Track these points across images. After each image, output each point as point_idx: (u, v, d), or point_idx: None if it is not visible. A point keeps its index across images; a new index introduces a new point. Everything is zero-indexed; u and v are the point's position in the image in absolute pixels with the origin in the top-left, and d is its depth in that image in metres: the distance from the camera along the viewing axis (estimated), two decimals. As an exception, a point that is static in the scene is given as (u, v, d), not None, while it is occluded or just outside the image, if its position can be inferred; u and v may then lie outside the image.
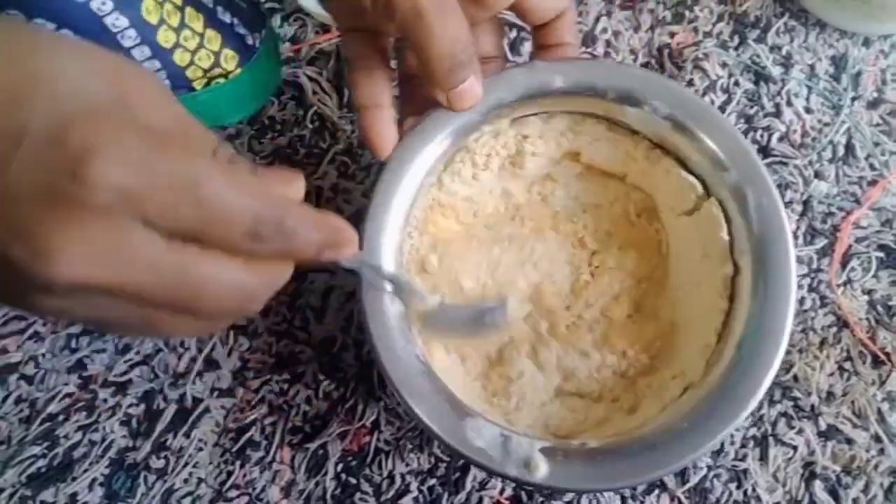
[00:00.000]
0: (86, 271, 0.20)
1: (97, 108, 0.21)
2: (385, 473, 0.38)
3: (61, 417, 0.38)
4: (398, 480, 0.38)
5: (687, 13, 0.46)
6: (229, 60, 0.38)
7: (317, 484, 0.37)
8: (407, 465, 0.38)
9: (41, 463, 0.37)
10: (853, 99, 0.44)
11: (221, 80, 0.39)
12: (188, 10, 0.36)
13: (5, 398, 0.38)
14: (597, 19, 0.45)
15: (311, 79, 0.44)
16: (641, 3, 0.46)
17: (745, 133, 0.43)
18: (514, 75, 0.33)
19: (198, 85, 0.38)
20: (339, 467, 0.38)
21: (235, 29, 0.38)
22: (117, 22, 0.33)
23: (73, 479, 0.37)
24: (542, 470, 0.28)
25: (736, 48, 0.45)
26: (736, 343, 0.30)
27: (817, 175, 0.43)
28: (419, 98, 0.33)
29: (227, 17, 0.38)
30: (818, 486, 0.38)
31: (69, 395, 0.38)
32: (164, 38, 0.35)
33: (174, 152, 0.21)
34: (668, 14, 0.46)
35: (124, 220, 0.20)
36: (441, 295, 0.34)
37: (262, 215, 0.22)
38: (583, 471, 0.29)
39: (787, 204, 0.42)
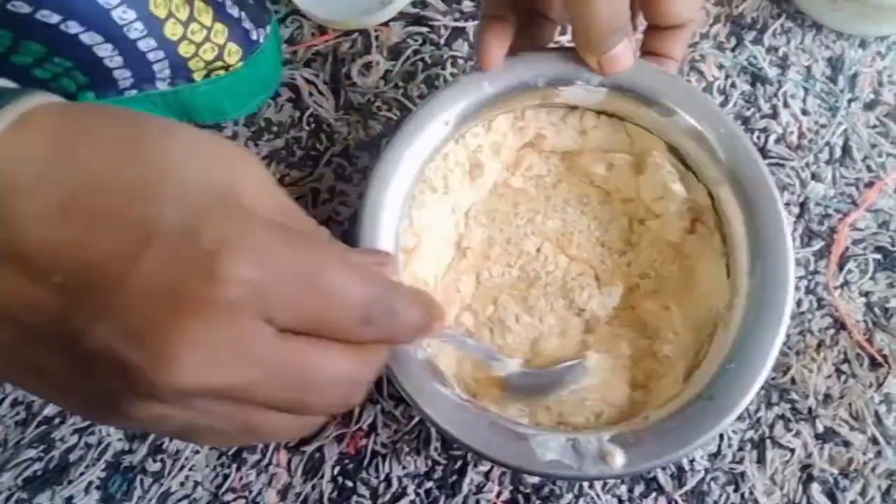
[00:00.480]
0: (205, 375, 0.19)
1: (222, 202, 0.20)
2: (382, 476, 0.38)
3: (57, 420, 0.38)
4: (395, 483, 0.37)
5: (684, 15, 0.46)
6: (232, 54, 0.38)
7: (313, 487, 0.37)
8: (404, 467, 0.38)
9: (37, 466, 0.37)
10: (850, 101, 0.44)
11: (222, 73, 0.39)
12: (198, 3, 0.36)
13: (1, 401, 0.38)
14: (594, 21, 0.45)
15: (307, 81, 0.44)
16: (638, 4, 0.46)
17: (764, 154, 0.42)
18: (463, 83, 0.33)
19: (198, 76, 0.38)
20: (336, 470, 0.38)
21: (242, 24, 0.38)
22: (124, 14, 0.33)
23: (70, 482, 0.37)
24: (619, 458, 0.28)
25: (732, 50, 0.45)
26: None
27: (814, 177, 0.43)
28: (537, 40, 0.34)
29: (234, 12, 0.38)
30: (815, 488, 0.38)
31: None
32: (171, 30, 0.35)
33: (298, 243, 0.21)
34: (666, 16, 0.46)
35: (247, 318, 0.20)
36: (521, 360, 0.34)
37: (374, 300, 0.22)
38: (656, 446, 0.29)
39: (784, 206, 0.42)
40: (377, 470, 0.38)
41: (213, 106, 0.41)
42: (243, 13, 0.38)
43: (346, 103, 0.43)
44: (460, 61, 0.43)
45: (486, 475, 0.38)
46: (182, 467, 0.37)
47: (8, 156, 0.18)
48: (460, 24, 0.44)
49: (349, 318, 0.21)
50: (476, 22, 0.44)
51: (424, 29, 0.44)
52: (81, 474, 0.37)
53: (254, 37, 0.39)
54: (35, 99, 0.20)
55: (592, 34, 0.31)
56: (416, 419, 0.38)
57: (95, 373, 0.19)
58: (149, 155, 0.20)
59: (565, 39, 0.44)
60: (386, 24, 0.44)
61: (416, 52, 0.43)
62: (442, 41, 0.44)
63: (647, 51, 0.34)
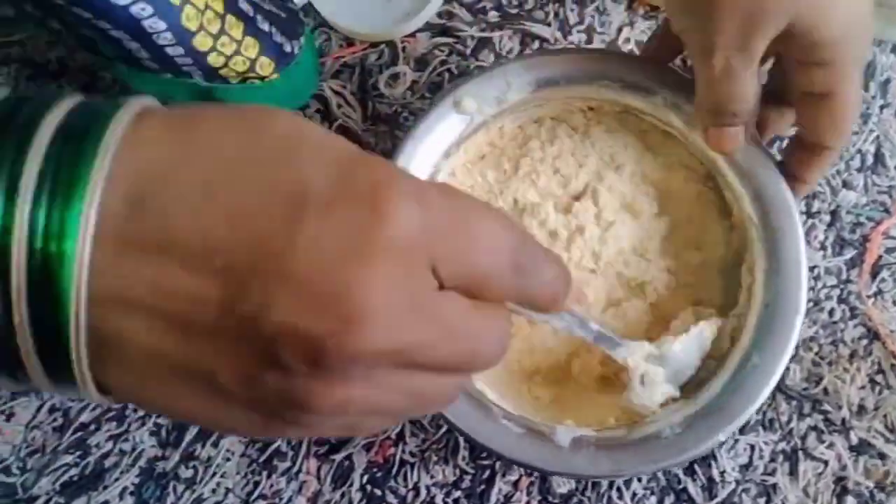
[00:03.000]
0: (395, 333, 0.18)
1: (356, 150, 0.19)
2: (410, 485, 0.38)
3: (93, 427, 0.39)
4: (423, 492, 0.38)
5: (711, 22, 0.46)
6: (265, 67, 0.39)
7: (342, 495, 0.38)
8: (432, 476, 0.38)
9: (74, 471, 0.38)
10: (882, 107, 0.44)
11: (257, 82, 0.39)
12: (229, 17, 0.36)
13: (40, 407, 0.39)
14: (619, 29, 0.45)
15: (335, 92, 0.44)
16: (664, 11, 0.46)
17: (771, 143, 0.42)
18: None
19: (233, 80, 0.39)
20: (365, 479, 0.38)
21: (273, 37, 0.39)
22: (155, 25, 0.33)
23: (105, 487, 0.38)
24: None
25: (761, 57, 0.45)
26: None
27: (845, 185, 0.42)
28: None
29: (265, 26, 0.38)
30: (850, 501, 0.37)
31: (100, 404, 0.39)
32: (201, 42, 0.36)
33: (440, 188, 0.20)
34: (692, 23, 0.45)
35: (421, 266, 0.18)
36: (645, 341, 0.33)
37: (520, 245, 0.21)
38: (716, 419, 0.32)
39: (815, 214, 0.41)
40: (405, 479, 0.38)
41: None
42: (274, 28, 0.39)
43: (373, 114, 0.44)
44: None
45: (515, 485, 0.38)
46: (214, 474, 0.38)
47: (137, 150, 0.17)
48: (486, 34, 0.44)
49: (502, 264, 0.20)
50: (500, 32, 0.44)
51: (451, 40, 0.44)
52: (116, 480, 0.38)
53: (287, 49, 0.39)
54: (144, 99, 0.19)
55: (706, 102, 0.31)
56: (445, 428, 0.38)
57: (274, 364, 0.18)
58: (271, 125, 0.19)
59: (574, 41, 0.44)
60: (412, 35, 0.44)
61: (442, 62, 0.44)
62: (468, 51, 0.44)
63: (797, 143, 0.34)
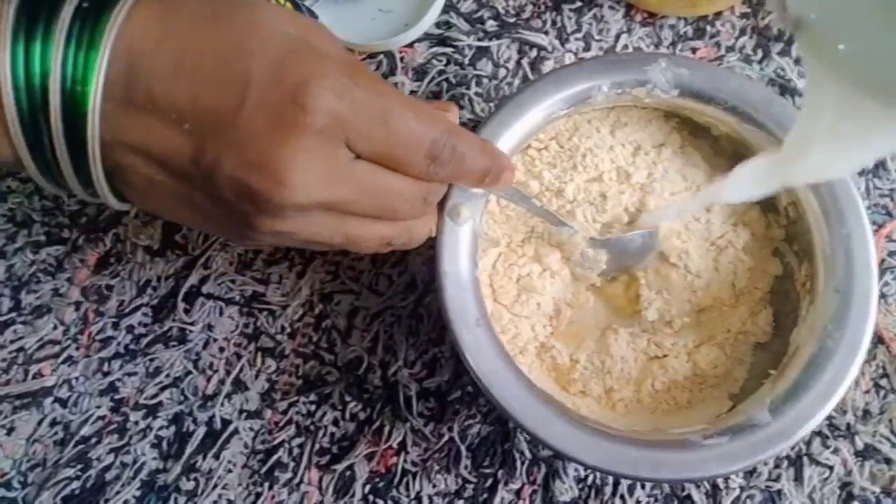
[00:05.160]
0: (313, 192, 0.24)
1: (299, 48, 0.24)
2: (412, 495, 0.38)
3: (94, 440, 0.39)
4: (426, 502, 0.37)
5: (708, 28, 0.46)
6: None
7: (344, 506, 0.37)
8: (434, 486, 0.38)
9: (75, 485, 0.38)
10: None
11: None
12: None
13: (41, 421, 0.39)
14: (617, 36, 0.45)
15: (334, 102, 0.44)
16: (662, 18, 0.46)
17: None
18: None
19: None
20: (367, 489, 0.38)
21: None
22: None
23: (106, 500, 0.38)
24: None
25: (759, 62, 0.45)
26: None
27: (846, 188, 0.42)
28: None
29: None
30: (856, 507, 0.37)
31: (101, 417, 0.39)
32: None
33: (366, 81, 0.24)
34: (690, 29, 0.46)
35: (335, 143, 0.24)
36: (586, 227, 0.37)
37: (438, 139, 0.26)
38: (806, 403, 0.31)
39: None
40: (407, 488, 0.38)
41: None
42: None
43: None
44: (485, 80, 0.44)
45: (517, 493, 0.38)
46: (215, 486, 0.38)
47: (131, 30, 0.23)
48: (484, 43, 0.44)
49: (417, 153, 0.26)
50: (498, 41, 0.44)
51: (449, 49, 0.44)
52: (117, 493, 0.38)
53: None
54: None
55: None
56: (446, 437, 0.38)
57: (229, 201, 0.24)
58: (236, 20, 0.24)
59: (588, 55, 0.44)
60: (410, 45, 0.45)
61: (440, 72, 0.44)
62: (466, 61, 0.44)
63: None
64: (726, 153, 0.38)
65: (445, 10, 0.45)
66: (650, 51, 0.44)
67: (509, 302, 0.36)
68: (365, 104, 0.24)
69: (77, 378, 0.40)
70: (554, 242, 0.37)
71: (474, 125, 0.43)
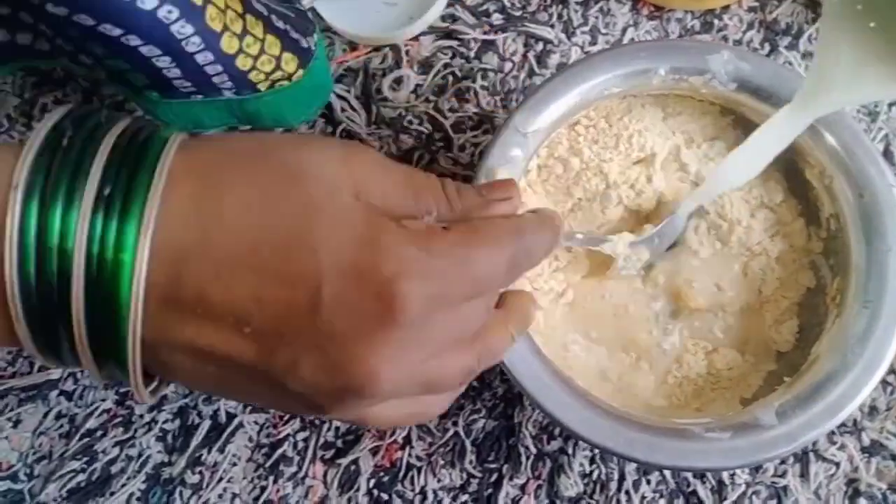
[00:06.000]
0: (403, 384, 0.22)
1: (366, 227, 0.21)
2: (417, 489, 0.38)
3: (99, 433, 0.39)
4: (430, 496, 0.37)
5: (716, 21, 0.45)
6: (289, 63, 0.39)
7: (349, 500, 0.38)
8: (439, 480, 0.38)
9: (81, 478, 0.38)
10: (890, 105, 0.43)
11: (285, 83, 0.39)
12: (248, 17, 0.37)
13: (46, 413, 0.39)
14: (624, 30, 0.45)
15: (339, 96, 0.44)
16: (669, 12, 0.45)
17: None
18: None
19: (262, 87, 0.39)
20: (372, 483, 0.38)
21: (290, 34, 0.39)
22: (182, 29, 0.33)
23: (112, 493, 0.38)
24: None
25: (767, 56, 0.45)
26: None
27: (854, 183, 0.42)
28: None
29: (280, 24, 0.39)
30: (863, 503, 0.37)
31: (107, 410, 0.39)
32: (228, 44, 0.36)
33: (437, 241, 0.22)
34: (697, 23, 0.45)
35: (423, 326, 0.22)
36: (622, 236, 0.36)
37: (514, 254, 0.24)
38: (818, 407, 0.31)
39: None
40: (412, 483, 0.38)
41: (276, 114, 0.41)
42: (288, 25, 0.39)
43: (377, 118, 0.44)
44: (490, 74, 0.44)
45: (522, 488, 0.38)
46: (220, 479, 0.38)
47: (167, 219, 0.20)
48: (489, 36, 0.44)
49: (499, 277, 0.24)
50: (504, 34, 0.44)
51: (454, 42, 0.44)
52: (123, 486, 0.38)
53: (304, 45, 0.39)
54: (171, 147, 0.21)
55: None
56: (451, 432, 0.38)
57: (302, 395, 0.22)
58: (290, 197, 0.21)
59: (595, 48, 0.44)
60: (416, 38, 0.44)
61: (446, 65, 0.44)
62: (472, 54, 0.44)
63: None
64: (780, 160, 0.37)
65: (451, 3, 0.44)
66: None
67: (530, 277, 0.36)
68: (448, 270, 0.22)
69: (82, 371, 0.40)
70: (594, 260, 0.37)
71: (481, 118, 0.43)
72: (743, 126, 0.38)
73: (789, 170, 0.37)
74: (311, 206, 0.21)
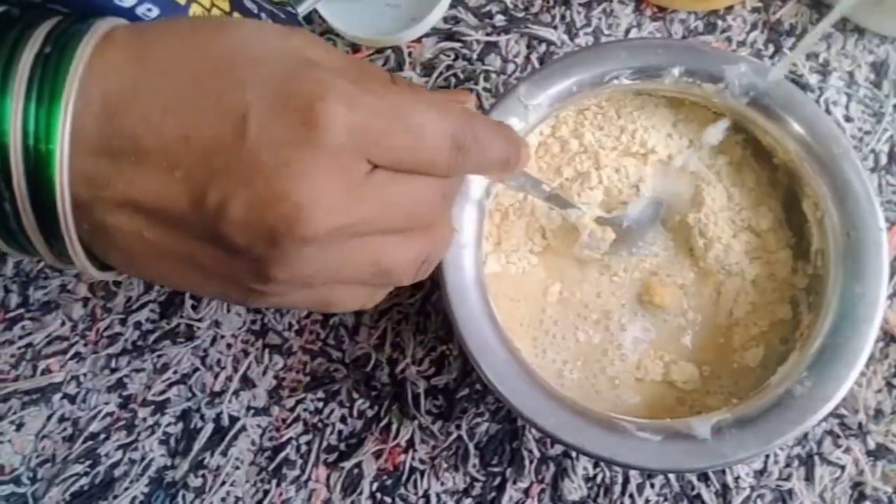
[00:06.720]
0: (336, 217, 0.21)
1: (297, 63, 0.22)
2: (420, 493, 0.37)
3: (102, 436, 0.39)
4: (434, 500, 0.37)
5: (719, 22, 0.45)
6: None
7: (352, 503, 0.37)
8: (442, 484, 0.38)
9: (84, 481, 0.38)
10: (895, 106, 0.43)
11: None
12: (236, 15, 0.36)
13: (49, 417, 0.39)
14: (627, 31, 0.45)
15: (342, 98, 0.44)
16: (672, 13, 0.45)
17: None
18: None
19: None
20: (375, 486, 0.38)
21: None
22: (149, 13, 0.33)
23: (115, 497, 0.38)
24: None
25: (771, 57, 0.44)
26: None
27: (859, 185, 0.42)
28: None
29: (253, 7, 0.38)
30: (868, 507, 0.36)
31: (110, 413, 0.39)
32: (194, 13, 0.35)
33: (374, 85, 0.22)
34: (700, 24, 0.45)
35: (353, 159, 0.22)
36: (591, 207, 0.36)
37: (460, 131, 0.24)
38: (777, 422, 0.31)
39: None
40: (415, 486, 0.38)
41: None
42: (262, 14, 0.38)
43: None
44: (493, 76, 0.43)
45: (526, 492, 0.37)
46: (223, 483, 0.38)
47: (103, 72, 0.21)
48: (492, 38, 0.44)
49: (440, 151, 0.23)
50: (507, 36, 0.44)
51: (457, 44, 0.44)
52: (126, 489, 0.38)
53: None
54: (111, 21, 0.22)
55: None
56: (454, 435, 0.38)
57: (238, 247, 0.21)
58: (219, 46, 0.22)
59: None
60: (418, 40, 0.44)
61: (448, 67, 0.44)
62: (474, 56, 0.44)
63: None
64: (781, 187, 0.37)
65: (453, 5, 0.44)
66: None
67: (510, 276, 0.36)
68: (379, 110, 0.22)
69: (85, 374, 0.40)
70: (557, 228, 0.36)
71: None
72: (752, 148, 0.37)
73: (788, 201, 0.37)
74: (240, 44, 0.22)
